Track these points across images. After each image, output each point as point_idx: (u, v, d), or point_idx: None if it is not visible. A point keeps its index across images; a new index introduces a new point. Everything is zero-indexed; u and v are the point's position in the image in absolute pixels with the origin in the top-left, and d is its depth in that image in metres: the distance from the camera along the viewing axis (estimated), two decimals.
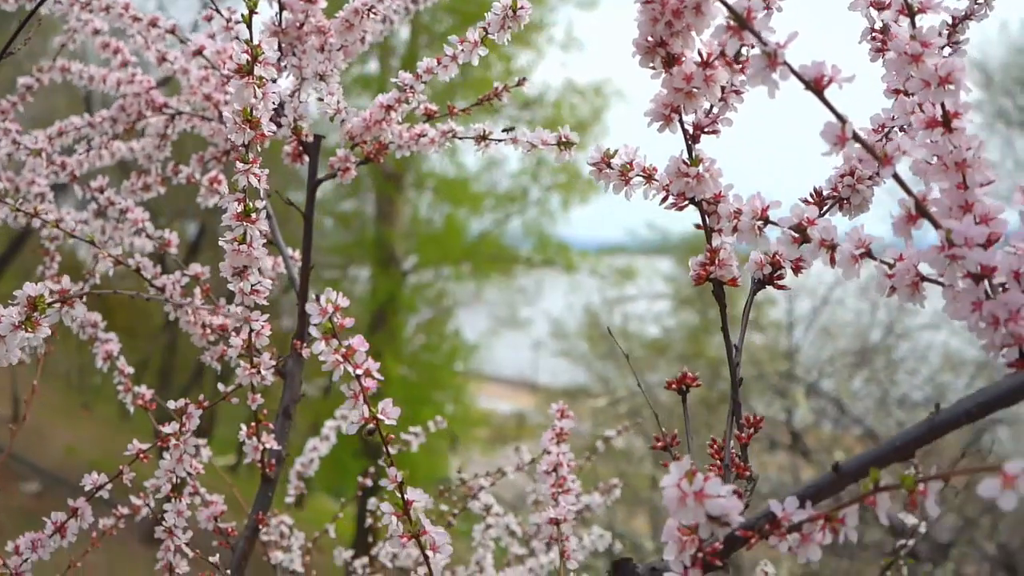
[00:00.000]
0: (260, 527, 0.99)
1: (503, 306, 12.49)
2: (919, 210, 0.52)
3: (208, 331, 1.00)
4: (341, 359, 0.62)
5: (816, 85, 0.51)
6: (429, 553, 0.65)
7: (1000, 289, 0.51)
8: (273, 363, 0.91)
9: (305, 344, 0.96)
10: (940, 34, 0.71)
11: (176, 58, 1.15)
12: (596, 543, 1.32)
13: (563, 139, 0.82)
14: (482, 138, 0.95)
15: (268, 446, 0.97)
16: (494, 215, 12.17)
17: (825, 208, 0.69)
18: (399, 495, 0.65)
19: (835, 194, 0.68)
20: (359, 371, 0.62)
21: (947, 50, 0.72)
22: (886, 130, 0.68)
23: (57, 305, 0.67)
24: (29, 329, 0.68)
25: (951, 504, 6.11)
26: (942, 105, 0.53)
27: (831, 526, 0.50)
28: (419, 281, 12.12)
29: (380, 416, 0.63)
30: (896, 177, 0.51)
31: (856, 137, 0.51)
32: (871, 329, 7.63)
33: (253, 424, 0.96)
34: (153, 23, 1.10)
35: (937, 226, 0.51)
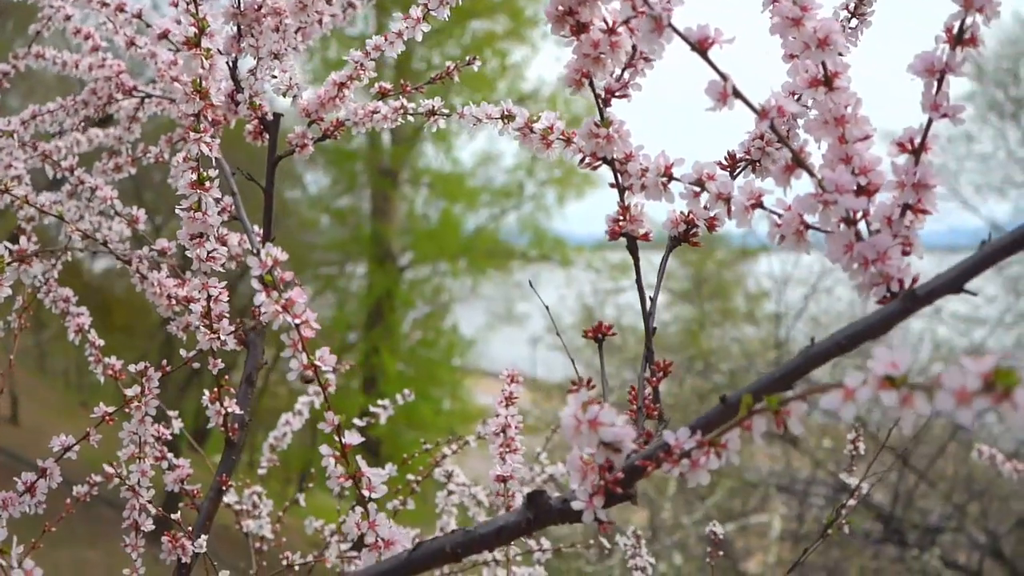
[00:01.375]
0: (224, 489, 1.03)
1: (499, 301, 12.54)
2: (796, 161, 0.56)
3: (173, 302, 1.05)
4: (281, 309, 0.66)
5: (701, 46, 0.55)
6: (365, 493, 0.69)
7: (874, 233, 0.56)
8: (232, 329, 0.95)
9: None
10: (846, 7, 0.75)
11: (145, 42, 1.20)
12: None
13: (506, 113, 0.87)
14: (431, 113, 1.00)
15: (231, 411, 1.02)
16: (490, 210, 12.22)
17: (738, 170, 0.73)
18: (337, 439, 0.69)
19: (747, 156, 0.73)
20: (298, 321, 0.67)
21: (853, 21, 0.77)
22: (797, 95, 0.73)
23: (16, 264, 0.71)
24: None
25: (940, 491, 6.18)
26: (823, 65, 0.58)
27: (715, 451, 0.55)
28: (415, 277, 12.17)
29: (317, 363, 0.68)
30: (773, 129, 0.56)
31: (736, 93, 0.55)
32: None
33: (216, 389, 1.01)
34: (120, 8, 1.14)
35: (812, 175, 0.56)
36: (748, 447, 7.95)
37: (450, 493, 1.37)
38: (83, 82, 1.31)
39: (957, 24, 0.56)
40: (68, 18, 1.24)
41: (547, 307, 0.97)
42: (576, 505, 0.59)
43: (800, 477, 6.80)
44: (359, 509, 0.70)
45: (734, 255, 10.77)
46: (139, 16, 1.14)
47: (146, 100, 1.25)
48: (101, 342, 1.15)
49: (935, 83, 0.56)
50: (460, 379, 11.67)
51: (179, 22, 1.11)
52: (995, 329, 7.72)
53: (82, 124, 1.25)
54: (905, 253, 0.56)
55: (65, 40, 1.39)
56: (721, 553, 1.11)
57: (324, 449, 0.70)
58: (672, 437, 0.57)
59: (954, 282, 0.51)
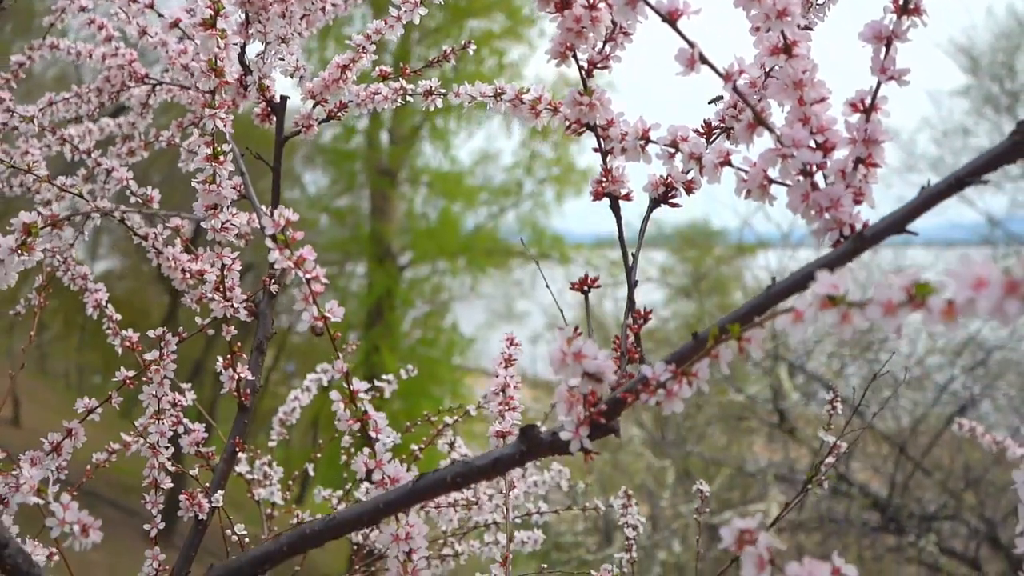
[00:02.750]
0: (237, 450, 1.10)
1: (499, 300, 12.60)
2: (757, 119, 0.62)
3: (187, 276, 1.11)
4: (293, 265, 0.72)
5: (671, 17, 0.62)
6: (373, 434, 0.76)
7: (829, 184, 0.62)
8: (244, 297, 1.02)
9: (275, 282, 1.06)
10: None
11: (156, 32, 1.26)
12: (556, 477, 1.43)
13: (498, 91, 0.93)
14: (429, 93, 1.06)
15: (243, 376, 1.08)
16: (489, 209, 12.28)
17: (714, 136, 0.79)
18: (346, 385, 0.75)
19: (722, 124, 0.79)
20: (308, 276, 0.73)
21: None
22: (767, 68, 0.79)
23: (48, 228, 0.77)
24: (24, 252, 0.78)
25: (936, 480, 6.24)
26: (783, 34, 0.64)
27: (688, 380, 0.61)
28: (415, 276, 12.22)
29: (327, 314, 0.74)
30: (736, 91, 0.62)
31: (703, 59, 0.61)
32: None
33: (229, 356, 1.07)
34: None
35: (772, 132, 0.62)
36: (747, 440, 7.97)
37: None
38: (81, 80, 1.37)
39: None
40: (83, 9, 1.30)
41: (557, 302, 1.00)
42: (564, 435, 0.65)
43: (798, 467, 6.86)
44: (367, 450, 0.76)
45: (732, 251, 10.84)
46: (151, 6, 1.20)
47: (157, 87, 1.31)
48: (118, 316, 1.21)
49: (883, 48, 0.62)
50: (460, 377, 11.71)
51: (190, 12, 1.17)
52: (988, 320, 7.77)
53: (96, 111, 1.31)
54: (857, 202, 0.62)
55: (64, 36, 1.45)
56: (708, 509, 1.17)
57: (334, 395, 0.76)
58: (649, 370, 0.63)
59: (897, 224, 0.58)
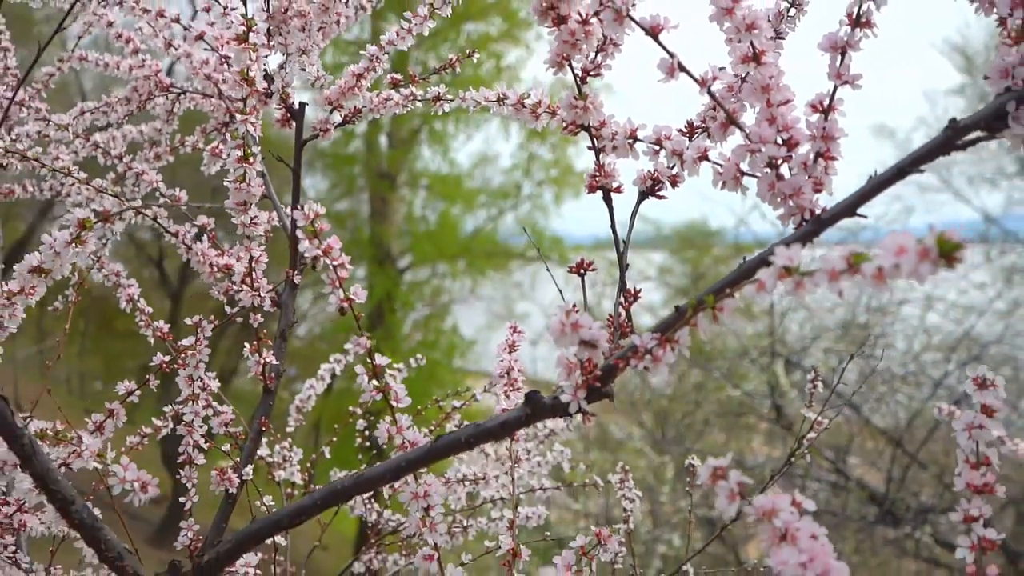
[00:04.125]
0: (263, 429, 1.19)
1: (499, 301, 12.69)
2: (729, 119, 0.72)
3: (215, 270, 1.20)
4: (322, 253, 0.82)
5: (653, 31, 0.71)
6: (393, 403, 0.85)
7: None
8: (271, 287, 1.11)
9: (298, 272, 1.15)
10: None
11: (180, 44, 1.35)
12: (559, 458, 1.52)
13: (501, 96, 1.02)
14: (437, 98, 1.15)
15: (268, 361, 1.17)
16: (488, 211, 12.37)
17: (696, 135, 0.88)
18: (369, 360, 0.85)
19: (703, 124, 0.88)
20: (335, 262, 0.82)
21: (792, 10, 0.92)
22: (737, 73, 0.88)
23: (101, 223, 0.86)
24: (78, 244, 0.87)
25: (931, 473, 6.33)
26: (752, 44, 0.73)
27: (671, 345, 0.70)
28: (415, 279, 12.31)
29: (352, 297, 0.83)
30: (711, 95, 0.71)
31: (681, 67, 0.70)
32: (858, 309, 7.86)
33: (255, 342, 1.16)
34: (160, 14, 1.29)
35: (742, 130, 0.71)
36: (747, 436, 8.04)
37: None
38: (84, 95, 1.46)
39: (856, 9, 0.71)
40: (110, 24, 1.40)
41: (562, 293, 1.09)
42: (564, 398, 0.75)
43: (797, 464, 6.95)
44: (388, 418, 0.85)
45: (729, 251, 10.93)
46: (177, 20, 1.29)
47: (181, 96, 1.41)
48: (150, 309, 1.31)
49: (839, 56, 0.72)
50: (461, 379, 11.79)
51: (212, 24, 1.27)
52: (984, 315, 7.87)
53: (124, 119, 1.41)
54: (817, 191, 0.71)
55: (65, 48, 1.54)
56: (700, 483, 1.26)
57: (359, 368, 0.85)
58: (638, 339, 0.72)
59: (850, 208, 0.67)
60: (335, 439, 1.70)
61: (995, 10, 0.67)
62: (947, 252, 0.47)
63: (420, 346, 11.73)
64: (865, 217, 0.67)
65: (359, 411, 1.62)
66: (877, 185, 0.66)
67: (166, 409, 1.32)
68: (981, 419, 0.71)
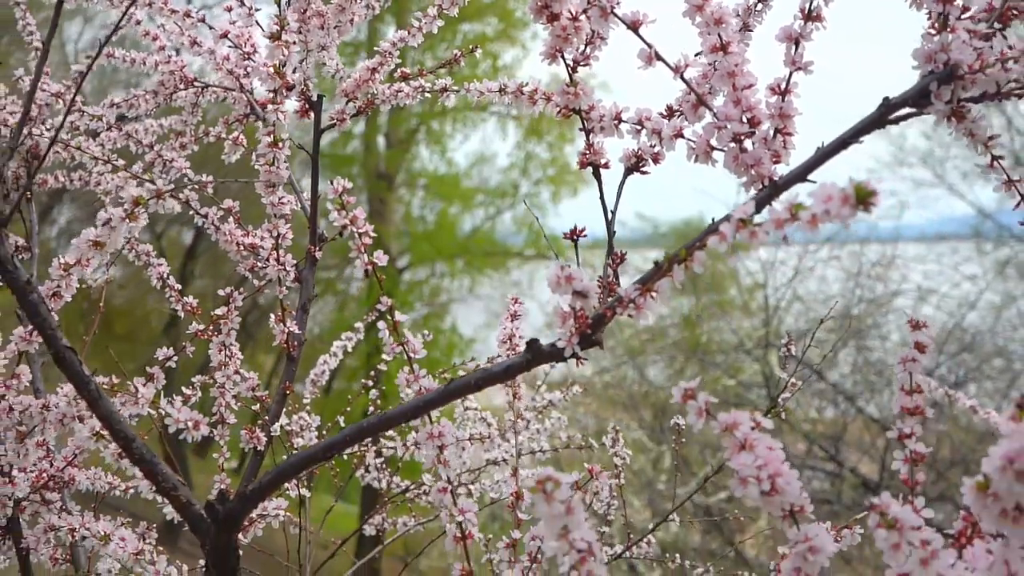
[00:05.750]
0: (287, 392, 1.30)
1: (497, 300, 12.80)
2: (699, 101, 0.83)
3: (241, 248, 1.32)
4: (348, 223, 0.93)
5: (634, 26, 0.83)
6: (411, 354, 0.97)
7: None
8: (295, 262, 1.23)
9: (318, 249, 1.27)
10: None
11: (203, 41, 1.47)
12: (556, 425, 1.64)
13: (502, 87, 1.14)
14: (444, 90, 1.27)
15: (292, 330, 1.29)
16: (485, 211, 12.49)
17: (674, 117, 1.00)
18: (390, 317, 0.96)
19: (680, 107, 1.00)
20: (361, 231, 0.94)
21: (760, 5, 1.04)
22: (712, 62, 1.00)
23: (154, 200, 0.98)
24: (131, 220, 0.99)
25: (924, 460, 6.45)
26: (719, 36, 0.85)
27: (650, 295, 0.82)
28: (414, 278, 12.42)
29: (375, 260, 0.95)
30: (684, 80, 0.83)
31: (658, 56, 0.82)
32: (853, 301, 7.99)
33: (280, 313, 1.28)
34: (187, 14, 1.41)
35: (711, 110, 0.83)
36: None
37: (466, 409, 1.64)
38: (85, 99, 1.58)
39: (808, 5, 0.83)
40: (139, 22, 1.51)
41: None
42: (559, 344, 0.86)
43: (794, 453, 7.08)
44: (406, 368, 0.97)
45: (725, 248, 11.05)
46: (203, 20, 1.41)
47: (205, 89, 1.52)
48: (179, 286, 1.42)
49: (793, 46, 0.84)
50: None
51: (233, 21, 1.38)
52: (977, 308, 8.01)
53: (152, 111, 1.52)
54: (775, 162, 0.83)
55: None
56: (684, 441, 1.38)
57: (381, 324, 0.97)
58: (623, 291, 0.84)
59: (800, 175, 0.79)
60: (348, 409, 1.82)
61: (924, 5, 0.79)
62: (863, 198, 0.59)
63: None
64: (814, 182, 0.79)
65: (369, 383, 1.75)
66: (823, 155, 0.78)
67: (195, 379, 1.44)
68: (914, 354, 0.84)
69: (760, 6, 1.02)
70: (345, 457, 1.79)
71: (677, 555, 1.61)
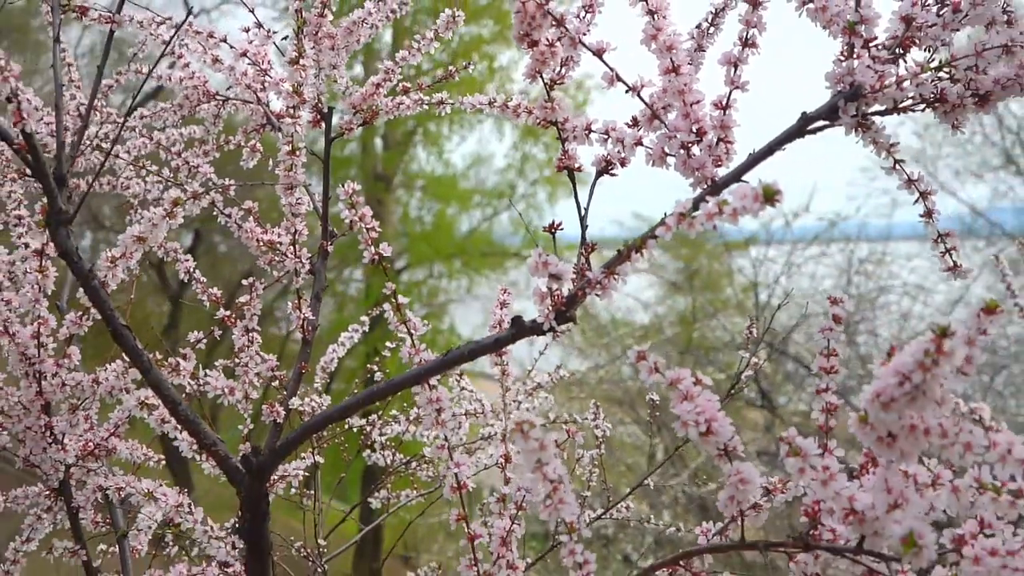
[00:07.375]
0: (303, 372, 1.47)
1: (495, 301, 12.94)
2: (653, 114, 1.00)
3: (260, 243, 1.48)
4: (357, 220, 1.10)
5: (598, 52, 0.99)
6: (413, 331, 1.13)
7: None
8: (310, 255, 1.39)
9: (329, 243, 1.43)
10: (703, 21, 1.19)
11: (223, 59, 1.63)
12: (545, 404, 1.80)
13: (492, 100, 1.30)
14: (441, 103, 1.43)
15: (307, 316, 1.45)
16: (483, 211, 12.65)
17: (636, 127, 1.16)
18: (394, 300, 1.13)
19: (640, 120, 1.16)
20: (368, 226, 1.10)
21: (711, 28, 1.20)
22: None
23: (191, 200, 1.14)
24: (171, 218, 1.15)
25: None
26: (671, 60, 1.02)
27: (613, 277, 0.98)
28: (412, 279, 12.57)
29: (381, 251, 1.11)
30: (640, 97, 1.00)
31: (618, 78, 0.99)
32: (843, 298, 8.15)
33: (297, 300, 1.44)
34: (210, 35, 1.57)
35: (663, 122, 0.99)
36: (738, 420, 8.32)
37: (462, 389, 1.81)
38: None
39: (745, 34, 1.00)
40: (165, 43, 1.68)
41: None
42: (539, 319, 1.02)
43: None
44: (408, 341, 1.13)
45: (720, 248, 11.23)
46: (225, 40, 1.57)
47: (225, 102, 1.69)
48: (204, 279, 1.58)
49: (732, 68, 1.00)
50: (458, 379, 11.96)
51: (251, 41, 1.55)
52: (968, 304, 8.17)
53: (179, 122, 1.69)
54: (717, 166, 0.99)
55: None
56: (657, 414, 1.54)
57: (386, 306, 1.13)
58: (591, 274, 1.00)
59: (735, 176, 0.95)
60: (356, 392, 1.97)
61: (838, 36, 0.95)
62: (770, 196, 0.76)
63: None
64: (747, 183, 0.95)
65: (376, 368, 1.91)
66: (753, 160, 0.95)
67: (217, 363, 1.60)
68: (831, 324, 1.00)
69: (712, 29, 1.19)
70: (355, 430, 1.95)
71: (660, 522, 1.77)
